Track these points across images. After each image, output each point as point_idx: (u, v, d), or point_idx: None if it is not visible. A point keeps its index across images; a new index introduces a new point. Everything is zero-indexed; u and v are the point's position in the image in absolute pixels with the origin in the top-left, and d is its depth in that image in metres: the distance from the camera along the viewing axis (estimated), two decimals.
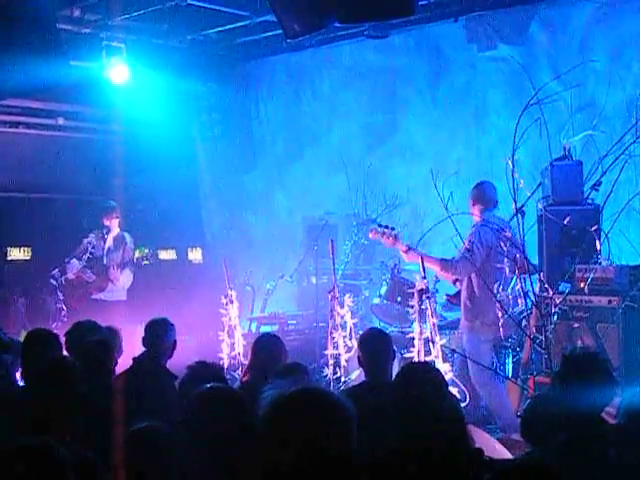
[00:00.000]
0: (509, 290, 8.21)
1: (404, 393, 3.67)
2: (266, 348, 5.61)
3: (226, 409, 3.35)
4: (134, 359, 5.77)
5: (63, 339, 5.77)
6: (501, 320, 6.70)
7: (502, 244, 6.70)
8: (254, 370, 5.56)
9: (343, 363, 6.72)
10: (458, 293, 7.46)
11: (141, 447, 3.27)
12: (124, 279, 9.73)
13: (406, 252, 7.03)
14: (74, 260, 9.61)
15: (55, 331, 6.02)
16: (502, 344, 7.61)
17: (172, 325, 5.92)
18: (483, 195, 7.26)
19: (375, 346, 5.19)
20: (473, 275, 7.08)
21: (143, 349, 5.84)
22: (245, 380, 5.64)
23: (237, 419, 3.32)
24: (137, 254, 10.02)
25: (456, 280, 7.37)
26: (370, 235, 7.27)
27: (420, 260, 6.84)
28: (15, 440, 2.79)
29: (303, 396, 2.21)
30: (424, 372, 3.93)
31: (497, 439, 5.43)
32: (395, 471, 3.24)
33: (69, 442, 3.59)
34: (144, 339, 5.85)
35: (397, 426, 3.50)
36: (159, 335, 5.82)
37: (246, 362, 6.72)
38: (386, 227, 7.07)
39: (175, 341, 5.88)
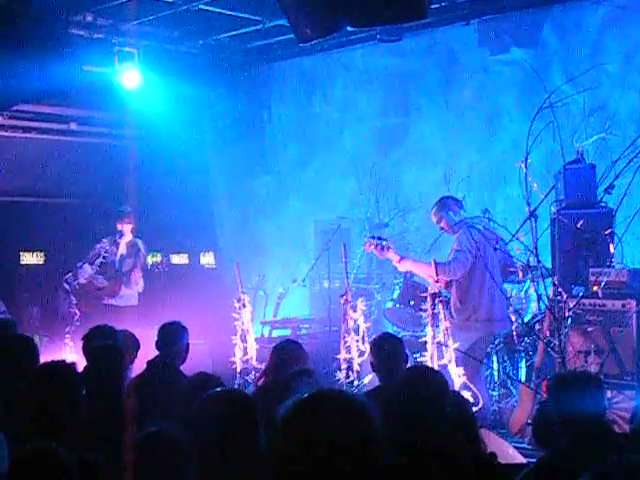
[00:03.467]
0: (522, 293, 8.22)
1: (403, 396, 3.71)
2: (289, 354, 5.57)
3: (240, 411, 3.36)
4: (148, 362, 5.78)
5: (71, 343, 5.75)
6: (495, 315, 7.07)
7: (488, 242, 6.97)
8: (271, 374, 5.55)
9: (356, 367, 6.71)
10: None
11: (153, 451, 3.26)
12: (142, 283, 9.78)
13: (399, 262, 7.19)
14: (86, 265, 9.61)
15: (69, 335, 6.01)
16: (515, 348, 7.59)
17: (185, 328, 5.93)
18: (446, 203, 7.33)
19: (388, 350, 5.19)
20: (461, 277, 7.13)
21: (156, 353, 5.86)
22: (261, 384, 5.63)
23: (249, 422, 3.32)
24: (150, 260, 10.03)
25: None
26: (364, 247, 7.37)
27: (414, 268, 7.22)
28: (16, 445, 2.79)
29: (324, 397, 2.20)
30: (418, 374, 3.96)
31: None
32: (403, 472, 3.23)
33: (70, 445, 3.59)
34: (157, 342, 5.87)
35: (401, 428, 3.51)
36: (172, 338, 5.83)
37: (259, 366, 6.72)
38: (379, 238, 7.23)
39: (188, 344, 5.90)
